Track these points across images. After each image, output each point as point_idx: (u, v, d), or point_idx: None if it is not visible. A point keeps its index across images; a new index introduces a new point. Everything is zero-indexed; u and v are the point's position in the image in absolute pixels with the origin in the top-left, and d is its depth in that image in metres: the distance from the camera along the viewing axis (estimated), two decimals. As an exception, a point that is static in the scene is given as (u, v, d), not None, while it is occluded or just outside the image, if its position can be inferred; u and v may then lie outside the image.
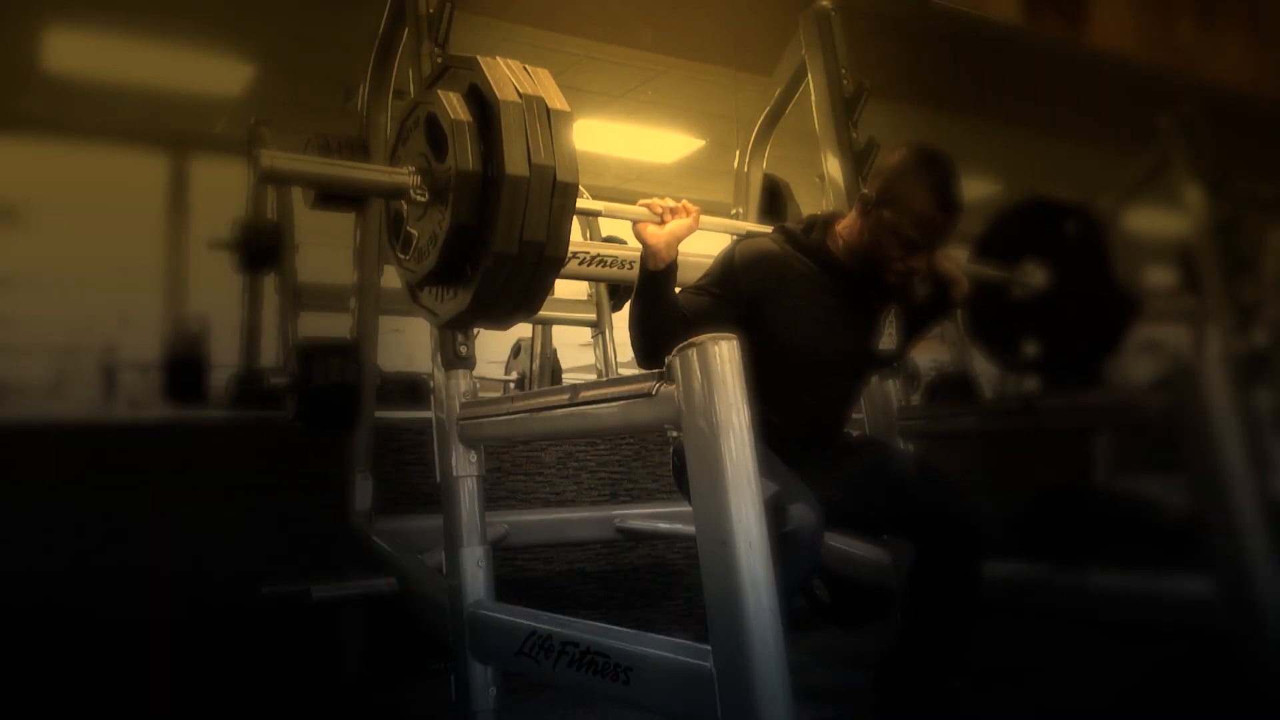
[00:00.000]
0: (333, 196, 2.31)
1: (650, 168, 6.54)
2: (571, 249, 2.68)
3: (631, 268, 2.70)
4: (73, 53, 5.25)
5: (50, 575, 2.18)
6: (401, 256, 1.47)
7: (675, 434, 1.20)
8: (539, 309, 1.46)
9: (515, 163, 1.27)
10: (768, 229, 1.86)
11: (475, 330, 1.81)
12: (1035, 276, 2.11)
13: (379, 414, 2.43)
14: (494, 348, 4.19)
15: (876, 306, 1.88)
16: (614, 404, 1.30)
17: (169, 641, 2.23)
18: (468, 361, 1.75)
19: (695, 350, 1.14)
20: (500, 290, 1.35)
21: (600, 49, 4.89)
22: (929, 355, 4.74)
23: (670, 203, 1.63)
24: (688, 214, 1.63)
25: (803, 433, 1.83)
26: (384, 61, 2.25)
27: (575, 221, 3.73)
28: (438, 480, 1.69)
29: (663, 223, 1.61)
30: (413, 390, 3.57)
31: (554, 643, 1.34)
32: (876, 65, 2.53)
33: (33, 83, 5.46)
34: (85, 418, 3.17)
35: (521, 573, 2.70)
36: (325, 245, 3.14)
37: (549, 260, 1.34)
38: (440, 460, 1.69)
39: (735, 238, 1.88)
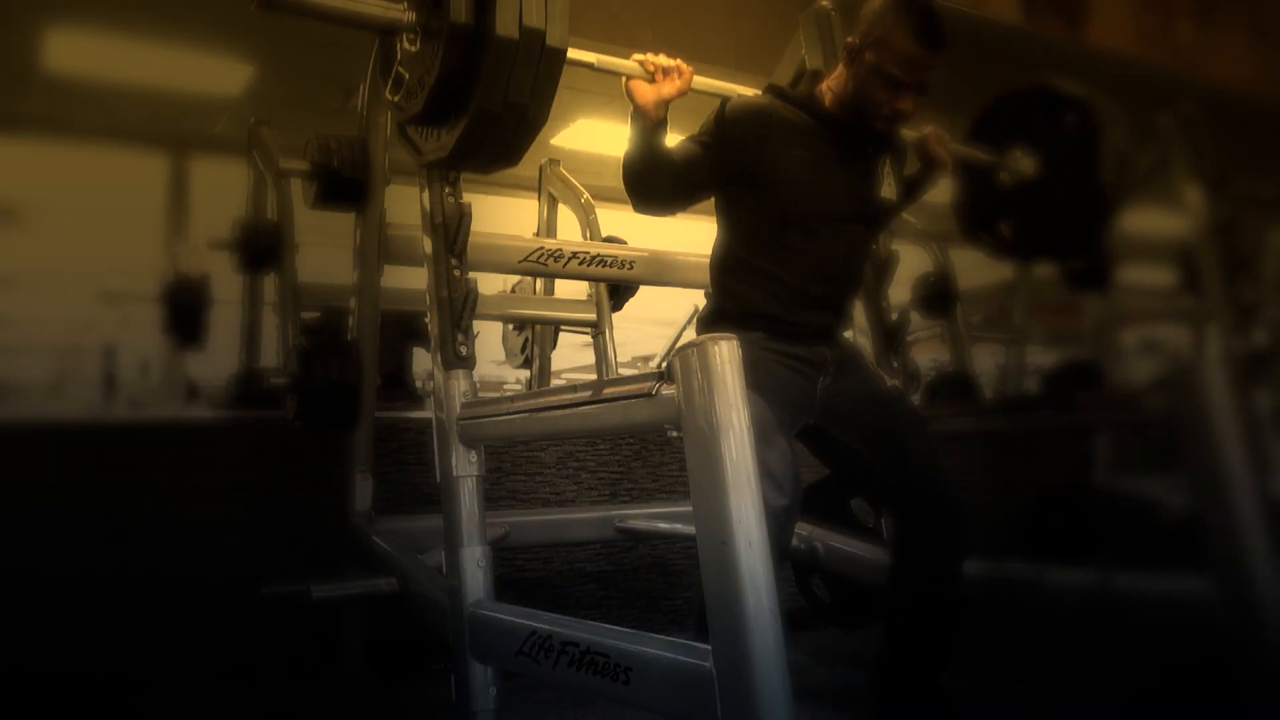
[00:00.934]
0: (333, 196, 2.31)
1: (650, 168, 6.53)
2: (571, 249, 2.70)
3: (632, 268, 2.71)
4: (73, 53, 5.26)
5: (50, 574, 2.18)
6: (391, 97, 1.48)
7: (675, 433, 1.20)
8: (518, 163, 1.47)
9: (506, 24, 1.28)
10: (759, 92, 1.87)
11: (476, 330, 1.81)
12: (1023, 164, 2.12)
13: (379, 414, 2.43)
14: (495, 349, 4.19)
15: (870, 153, 1.88)
16: (614, 404, 1.29)
17: (169, 641, 2.24)
18: (468, 361, 1.74)
19: (695, 350, 1.14)
20: (481, 143, 1.38)
21: (600, 49, 4.89)
22: (929, 355, 4.74)
23: (664, 61, 1.64)
24: (680, 75, 1.64)
25: (813, 287, 1.82)
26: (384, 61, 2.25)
27: (575, 221, 3.74)
28: (438, 480, 1.68)
29: (654, 81, 1.62)
30: (411, 328, 3.51)
31: (554, 643, 1.34)
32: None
33: (33, 83, 5.46)
34: (85, 418, 3.16)
35: (521, 573, 2.69)
36: (325, 245, 3.14)
37: (531, 121, 1.36)
38: (440, 460, 1.68)
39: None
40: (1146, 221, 3.47)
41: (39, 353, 5.98)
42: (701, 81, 1.72)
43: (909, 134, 1.94)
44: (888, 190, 1.92)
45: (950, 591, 1.83)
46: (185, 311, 3.32)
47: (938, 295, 3.76)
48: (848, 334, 2.08)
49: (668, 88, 1.63)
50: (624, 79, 1.64)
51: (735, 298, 1.83)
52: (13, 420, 2.58)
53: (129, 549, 2.26)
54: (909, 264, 3.68)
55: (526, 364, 3.85)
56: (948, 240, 3.83)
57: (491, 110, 1.32)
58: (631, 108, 1.64)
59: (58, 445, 2.29)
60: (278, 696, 2.22)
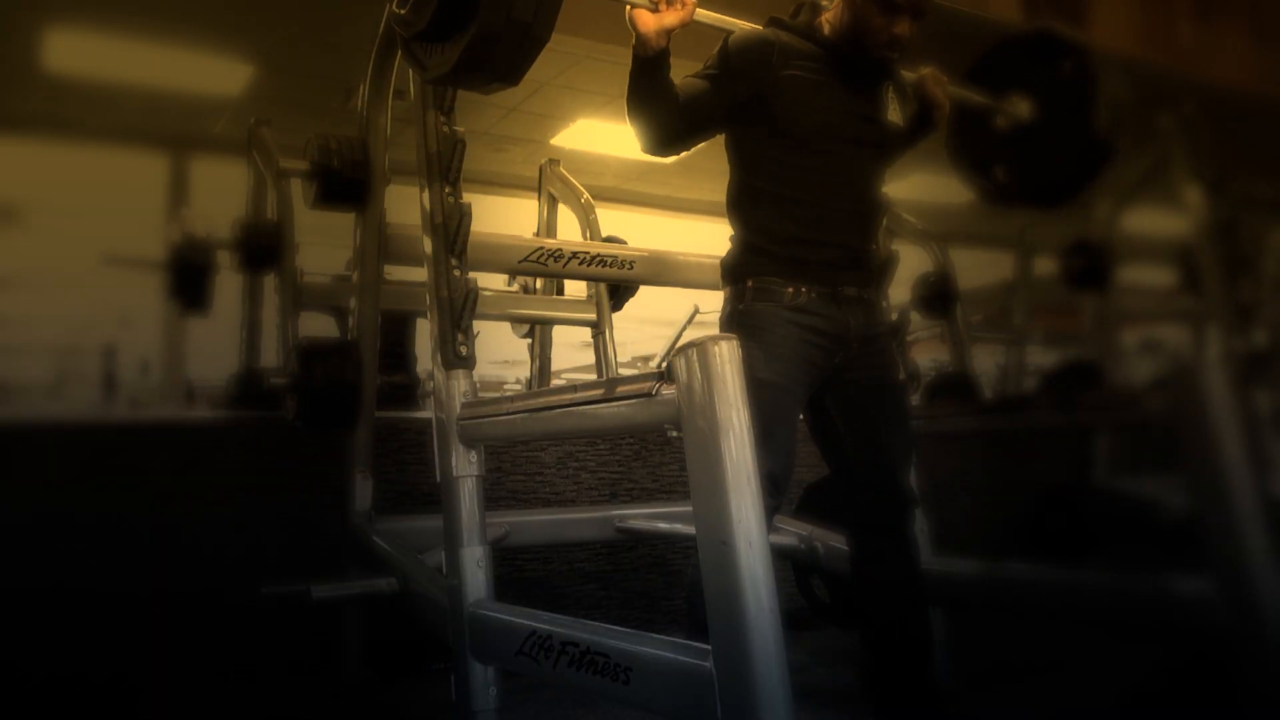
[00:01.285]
0: (333, 196, 2.32)
1: (650, 167, 6.54)
2: (571, 249, 2.70)
3: (632, 268, 2.71)
4: (73, 53, 5.26)
5: (50, 574, 2.18)
6: (399, 10, 1.50)
7: (675, 433, 1.20)
8: (519, 82, 1.48)
9: None
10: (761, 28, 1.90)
11: (476, 330, 1.81)
12: (1019, 108, 2.13)
13: (379, 414, 2.43)
14: (495, 349, 4.19)
15: (871, 81, 1.90)
16: (614, 404, 1.29)
17: (169, 641, 2.24)
18: (468, 361, 1.74)
19: (695, 350, 1.14)
20: (484, 60, 1.39)
21: (600, 49, 4.89)
22: (929, 355, 4.74)
23: None
24: (684, 5, 1.65)
25: (830, 204, 1.83)
26: (384, 61, 2.25)
27: (575, 220, 3.73)
28: (438, 480, 1.68)
29: (657, 10, 1.64)
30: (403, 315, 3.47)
31: (554, 643, 1.34)
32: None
33: (33, 83, 5.46)
34: (85, 418, 3.16)
35: (521, 573, 2.69)
36: (325, 245, 3.14)
37: (534, 40, 1.38)
38: (440, 460, 1.68)
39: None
40: (1146, 221, 3.47)
41: (39, 353, 5.99)
42: (704, 14, 1.74)
43: (907, 75, 1.95)
44: (893, 116, 1.93)
45: (907, 589, 1.85)
46: (191, 275, 3.29)
47: (938, 295, 3.76)
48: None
49: (670, 17, 1.64)
50: (627, 7, 1.65)
51: (755, 228, 1.84)
52: (13, 420, 2.58)
53: (129, 549, 2.26)
54: (909, 264, 3.68)
55: (530, 334, 3.84)
56: (948, 240, 3.83)
57: (495, 26, 1.33)
58: (634, 38, 1.65)
59: (58, 445, 2.29)
60: (278, 696, 2.22)
